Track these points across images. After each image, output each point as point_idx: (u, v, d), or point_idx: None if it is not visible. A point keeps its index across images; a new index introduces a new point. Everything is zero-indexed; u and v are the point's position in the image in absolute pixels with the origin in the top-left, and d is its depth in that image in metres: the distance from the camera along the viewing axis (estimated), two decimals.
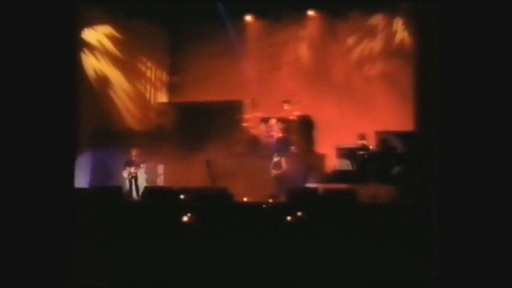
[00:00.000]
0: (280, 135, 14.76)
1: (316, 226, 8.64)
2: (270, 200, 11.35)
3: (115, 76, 15.94)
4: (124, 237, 8.51)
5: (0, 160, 6.38)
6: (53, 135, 6.58)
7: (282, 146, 14.52)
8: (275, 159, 13.95)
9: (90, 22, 14.93)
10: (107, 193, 10.65)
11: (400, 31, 15.87)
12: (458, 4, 6.34)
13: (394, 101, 15.07)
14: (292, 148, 14.73)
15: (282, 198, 11.50)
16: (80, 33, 13.87)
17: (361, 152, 13.84)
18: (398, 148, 13.79)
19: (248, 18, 16.99)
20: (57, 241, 6.48)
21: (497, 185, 6.12)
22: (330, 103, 15.73)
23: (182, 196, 10.09)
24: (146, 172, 15.05)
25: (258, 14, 16.81)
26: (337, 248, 7.93)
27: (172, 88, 17.77)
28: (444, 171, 6.31)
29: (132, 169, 14.36)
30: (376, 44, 16.13)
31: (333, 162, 14.50)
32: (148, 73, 17.27)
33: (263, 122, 15.20)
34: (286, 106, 15.12)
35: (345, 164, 14.03)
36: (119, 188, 11.96)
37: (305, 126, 14.97)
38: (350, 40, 16.31)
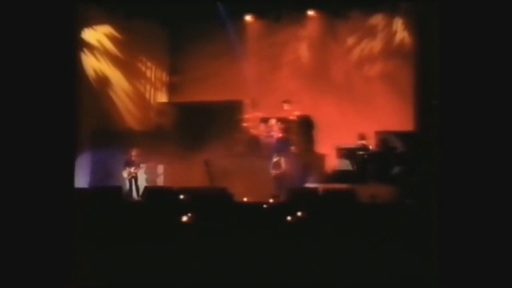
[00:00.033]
0: (280, 135, 14.76)
1: (316, 226, 8.64)
2: (271, 200, 11.35)
3: (115, 76, 15.93)
4: (124, 237, 8.51)
5: (0, 160, 6.38)
6: (53, 135, 6.58)
7: (282, 146, 14.52)
8: (275, 159, 13.95)
9: (90, 22, 14.92)
10: (107, 193, 10.66)
11: (400, 31, 15.87)
12: (458, 4, 6.34)
13: (394, 101, 15.06)
14: (292, 148, 14.73)
15: (282, 198, 11.50)
16: (80, 33, 13.87)
17: (361, 152, 13.84)
18: (398, 148, 13.79)
19: (248, 18, 16.98)
20: (57, 241, 6.48)
21: (497, 185, 6.12)
22: (330, 103, 15.72)
23: (182, 196, 10.09)
24: (146, 172, 15.04)
25: (258, 14, 16.81)
26: (337, 248, 7.94)
27: (172, 88, 17.76)
28: (444, 171, 6.31)
29: (132, 169, 14.36)
30: (376, 44, 16.12)
31: (333, 162, 14.50)
32: (148, 73, 17.27)
33: (263, 122, 15.20)
34: (286, 106, 15.12)
35: (345, 164, 14.03)
36: (119, 188, 11.97)
37: (305, 126, 14.96)
38: (350, 40, 16.30)
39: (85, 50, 14.82)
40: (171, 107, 16.51)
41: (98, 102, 15.07)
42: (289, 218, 8.95)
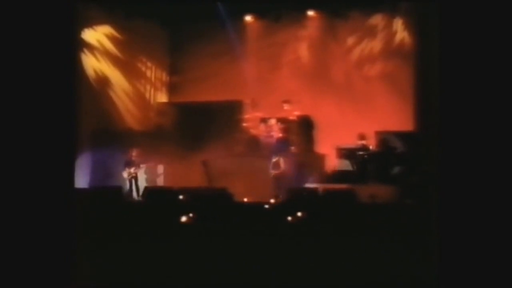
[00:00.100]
0: (280, 135, 14.75)
1: (316, 226, 8.64)
2: (272, 200, 11.35)
3: (115, 76, 15.93)
4: (124, 237, 8.51)
5: (0, 160, 6.38)
6: (53, 135, 6.59)
7: (282, 146, 14.51)
8: (274, 159, 13.95)
9: (90, 22, 14.92)
10: (107, 193, 10.65)
11: (400, 31, 15.86)
12: (458, 4, 6.34)
13: (394, 101, 15.05)
14: (292, 148, 14.72)
15: (282, 198, 11.50)
16: (80, 33, 13.86)
17: (361, 152, 13.83)
18: (398, 148, 13.78)
19: (248, 18, 16.97)
20: (57, 241, 6.48)
21: (497, 185, 6.12)
22: (330, 103, 15.72)
23: (182, 196, 10.09)
24: (146, 172, 15.04)
25: (258, 14, 16.80)
26: (337, 248, 7.93)
27: (172, 88, 17.76)
28: (444, 171, 6.31)
29: (132, 169, 14.36)
30: (376, 44, 16.12)
31: (333, 162, 14.50)
32: (148, 73, 17.26)
33: (263, 122, 15.19)
34: (286, 106, 15.11)
35: (345, 164, 14.02)
36: (119, 188, 11.96)
37: (305, 126, 14.96)
38: (350, 40, 16.29)
39: (85, 50, 14.82)
40: (171, 107, 16.50)
41: (98, 102, 15.07)
42: (289, 218, 8.95)
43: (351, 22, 16.12)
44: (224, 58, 16.71)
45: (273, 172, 13.87)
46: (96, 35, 15.32)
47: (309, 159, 14.50)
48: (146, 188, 12.65)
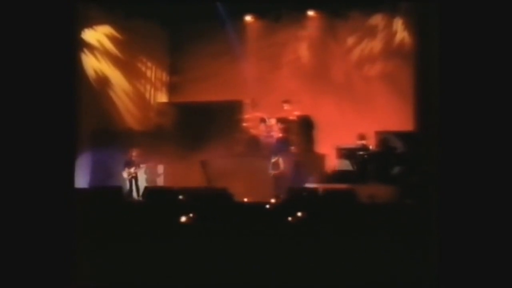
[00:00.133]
0: (280, 135, 14.75)
1: (316, 226, 8.64)
2: (272, 200, 11.35)
3: (115, 76, 15.94)
4: (124, 237, 8.50)
5: (0, 160, 6.38)
6: (53, 135, 6.58)
7: (282, 146, 14.51)
8: (273, 159, 13.95)
9: (90, 22, 14.93)
10: (107, 193, 10.64)
11: (400, 31, 15.87)
12: (458, 4, 6.34)
13: (394, 101, 15.06)
14: (292, 148, 14.73)
15: (281, 198, 11.49)
16: (80, 33, 13.87)
17: (361, 152, 13.83)
18: (398, 148, 13.78)
19: (248, 18, 16.98)
20: (57, 241, 6.48)
21: (497, 185, 6.12)
22: (330, 103, 15.72)
23: (182, 196, 10.09)
24: (146, 172, 15.04)
25: (258, 14, 16.81)
26: (337, 248, 7.93)
27: (172, 88, 17.77)
28: (444, 171, 6.31)
29: (132, 169, 14.37)
30: (376, 44, 16.12)
31: (333, 162, 14.50)
32: (148, 73, 17.27)
33: (263, 122, 15.20)
34: (286, 106, 15.12)
35: (345, 164, 14.02)
36: (119, 188, 11.95)
37: (305, 126, 14.96)
38: (350, 40, 16.30)
39: (85, 50, 14.83)
40: (171, 107, 16.51)
41: (98, 102, 15.08)
42: (289, 218, 8.94)
43: (351, 22, 16.13)
44: (224, 58, 16.72)
45: (272, 172, 13.87)
46: (96, 35, 15.33)
47: (309, 159, 14.50)
48: (146, 188, 12.64)
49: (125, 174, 14.36)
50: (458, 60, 6.31)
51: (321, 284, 7.66)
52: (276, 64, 16.63)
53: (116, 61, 15.87)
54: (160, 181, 15.44)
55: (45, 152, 6.52)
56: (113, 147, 14.44)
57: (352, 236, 8.17)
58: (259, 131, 15.16)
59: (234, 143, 15.07)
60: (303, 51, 16.68)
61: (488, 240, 6.10)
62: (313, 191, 11.22)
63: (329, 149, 14.55)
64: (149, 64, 17.26)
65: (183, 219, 9.10)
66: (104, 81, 15.59)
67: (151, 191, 11.50)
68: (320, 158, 14.78)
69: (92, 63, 15.17)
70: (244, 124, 15.33)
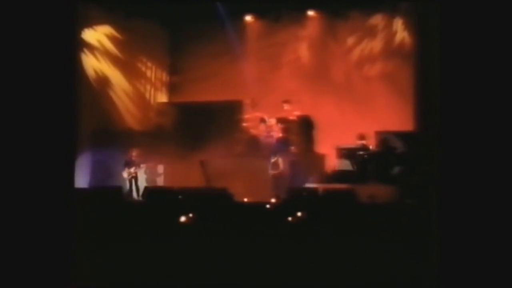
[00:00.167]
0: (280, 135, 14.75)
1: (316, 226, 8.64)
2: (273, 200, 11.35)
3: (115, 76, 15.94)
4: (124, 237, 8.50)
5: (0, 160, 6.38)
6: (53, 135, 6.59)
7: (282, 146, 14.51)
8: (273, 159, 13.95)
9: (90, 22, 14.93)
10: (107, 193, 10.64)
11: (400, 31, 15.86)
12: (458, 4, 6.34)
13: (394, 101, 15.05)
14: (292, 148, 14.73)
15: (281, 198, 11.49)
16: (80, 33, 13.86)
17: (361, 152, 13.83)
18: (398, 148, 13.78)
19: (248, 18, 16.97)
20: (57, 241, 6.48)
21: (497, 185, 6.12)
22: (330, 103, 15.72)
23: (182, 196, 10.09)
24: (146, 172, 15.04)
25: (258, 14, 16.80)
26: (337, 248, 7.93)
27: (172, 88, 17.76)
28: (444, 171, 6.31)
29: (132, 169, 14.37)
30: (376, 44, 16.12)
31: (333, 162, 14.50)
32: (148, 73, 17.27)
33: (263, 122, 15.20)
34: (286, 106, 15.11)
35: (345, 164, 14.02)
36: (119, 188, 11.95)
37: (305, 126, 14.95)
38: (350, 40, 16.30)
39: (85, 50, 14.83)
40: (171, 107, 16.51)
41: (98, 102, 15.08)
42: (289, 218, 8.94)
43: (351, 22, 16.12)
44: (224, 58, 16.71)
45: (272, 172, 13.86)
46: (96, 35, 15.33)
47: (309, 159, 14.50)
48: (146, 188, 12.63)
49: (125, 174, 14.36)
50: (458, 60, 6.31)
51: (321, 284, 7.66)
52: (276, 64, 16.63)
53: (116, 61, 15.86)
54: (160, 181, 15.44)
55: (45, 152, 6.52)
56: (113, 147, 14.44)
57: (352, 236, 8.17)
58: (259, 131, 15.16)
59: (234, 143, 15.07)
60: (303, 51, 16.68)
61: (488, 240, 6.10)
62: (313, 191, 11.21)
63: (329, 149, 14.54)
64: (149, 64, 17.26)
65: (183, 219, 9.10)
66: (104, 81, 15.59)
67: (151, 191, 11.50)
68: (320, 158, 14.78)
69: (92, 63, 15.17)
70: (244, 124, 15.32)
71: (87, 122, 12.94)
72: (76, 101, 6.96)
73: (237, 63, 16.72)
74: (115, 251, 8.20)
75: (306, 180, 13.62)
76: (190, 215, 9.14)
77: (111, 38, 15.72)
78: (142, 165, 14.62)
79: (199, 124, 15.48)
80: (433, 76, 6.60)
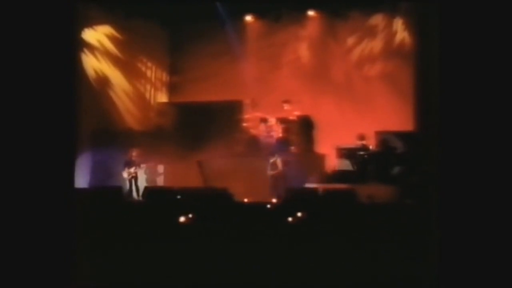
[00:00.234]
0: (280, 135, 14.76)
1: (316, 226, 8.63)
2: (274, 200, 11.35)
3: (115, 76, 15.95)
4: (124, 237, 8.50)
5: (0, 160, 6.38)
6: (53, 135, 6.59)
7: (282, 146, 14.51)
8: (272, 159, 13.95)
9: (90, 22, 14.94)
10: (107, 193, 10.63)
11: (400, 31, 15.87)
12: (458, 4, 6.34)
13: (394, 101, 15.05)
14: (292, 148, 14.73)
15: (280, 198, 11.49)
16: (80, 33, 13.86)
17: (361, 152, 13.84)
18: (398, 148, 13.78)
19: (248, 18, 16.98)
20: (57, 241, 6.48)
21: (497, 185, 6.12)
22: (330, 103, 15.73)
23: (182, 196, 10.09)
24: (146, 172, 15.04)
25: (258, 14, 16.81)
26: (337, 248, 7.93)
27: (172, 88, 17.77)
28: (444, 171, 6.31)
29: (132, 169, 14.36)
30: (376, 44, 16.13)
31: (333, 162, 14.50)
32: (148, 73, 17.28)
33: (263, 122, 15.20)
34: (286, 106, 15.12)
35: (345, 164, 14.02)
36: (119, 188, 11.95)
37: (305, 126, 14.96)
38: (350, 40, 16.31)
39: (85, 50, 14.83)
40: (171, 107, 16.52)
41: (98, 102, 15.08)
42: (289, 218, 8.94)
43: (351, 22, 16.13)
44: (224, 58, 16.72)
45: (270, 172, 13.85)
46: (96, 35, 15.34)
47: (309, 159, 14.50)
48: (146, 188, 12.63)
49: (125, 174, 14.36)
50: (458, 60, 6.31)
51: (321, 284, 7.66)
52: (276, 64, 16.63)
53: (116, 61, 15.87)
54: (160, 181, 15.44)
55: (45, 152, 6.52)
56: (113, 147, 14.44)
57: (352, 236, 8.17)
58: (259, 131, 15.17)
59: (234, 143, 15.08)
60: (303, 51, 16.68)
61: (488, 240, 6.10)
62: (313, 191, 11.21)
63: (329, 149, 14.55)
64: (149, 64, 17.26)
65: (183, 219, 9.10)
66: (104, 81, 15.59)
67: (151, 191, 11.50)
68: (320, 158, 14.78)
69: (92, 63, 15.17)
70: (244, 124, 15.33)
71: (87, 122, 12.95)
72: (76, 101, 6.96)
73: (237, 63, 16.72)
74: (115, 251, 8.20)
75: (306, 180, 13.62)
76: (190, 215, 9.14)
77: (111, 38, 15.72)
78: (142, 165, 14.62)
79: (199, 124, 15.48)
80: (433, 76, 6.60)
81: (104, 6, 14.98)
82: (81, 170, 13.24)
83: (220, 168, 13.83)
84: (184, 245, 8.31)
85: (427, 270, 6.64)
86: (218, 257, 8.00)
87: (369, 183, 12.84)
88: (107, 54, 15.64)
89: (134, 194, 14.13)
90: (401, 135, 13.94)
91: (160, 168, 15.59)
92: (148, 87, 17.27)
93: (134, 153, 14.52)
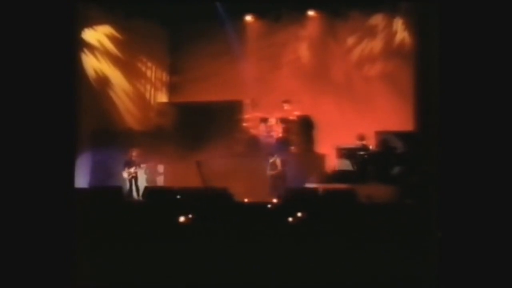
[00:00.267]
0: (280, 135, 14.75)
1: (316, 226, 8.63)
2: (274, 200, 11.34)
3: (115, 76, 15.95)
4: (124, 237, 8.51)
5: (0, 160, 6.38)
6: (53, 135, 6.59)
7: (282, 146, 14.52)
8: (271, 159, 13.94)
9: (90, 22, 14.94)
10: (107, 193, 10.63)
11: (400, 31, 15.87)
12: (458, 4, 6.34)
13: (394, 101, 15.06)
14: (292, 148, 14.73)
15: (280, 198, 11.49)
16: (80, 33, 13.87)
17: (361, 152, 13.84)
18: (398, 148, 13.78)
19: (248, 18, 16.98)
20: (57, 241, 6.48)
21: (497, 185, 6.12)
22: (330, 103, 15.73)
23: (182, 196, 10.08)
24: (146, 172, 15.03)
25: (258, 14, 16.81)
26: (337, 248, 7.93)
27: (172, 88, 17.77)
28: (444, 171, 6.31)
29: (132, 169, 14.36)
30: (376, 44, 16.13)
31: (333, 162, 14.50)
32: (148, 73, 17.28)
33: (263, 122, 15.20)
34: (286, 106, 15.12)
35: (345, 164, 14.02)
36: (119, 188, 11.95)
37: (305, 126, 14.96)
38: (350, 40, 16.30)
39: (85, 50, 14.83)
40: (171, 107, 16.52)
41: (98, 102, 15.08)
42: (289, 218, 8.94)
43: (351, 22, 16.13)
44: (224, 58, 16.72)
45: (270, 172, 13.85)
46: (96, 35, 15.34)
47: (309, 159, 14.50)
48: (146, 188, 12.63)
49: (125, 174, 14.36)
50: (458, 60, 6.31)
51: (321, 284, 7.66)
52: (276, 64, 16.63)
53: (116, 61, 15.87)
54: (160, 181, 15.43)
55: (45, 152, 6.52)
56: (113, 147, 14.44)
57: (352, 236, 8.17)
58: (259, 131, 15.17)
59: (234, 143, 15.08)
60: (303, 51, 16.68)
61: (488, 240, 6.10)
62: (313, 191, 11.21)
63: (329, 149, 14.55)
64: (149, 64, 17.26)
65: (183, 219, 9.10)
66: (104, 81, 15.59)
67: (151, 191, 11.50)
68: (320, 158, 14.78)
69: (92, 63, 15.17)
70: (244, 124, 15.33)
71: (87, 122, 12.94)
72: (76, 101, 6.96)
73: (237, 63, 16.72)
74: (115, 251, 8.20)
75: (306, 180, 13.62)
76: (190, 215, 9.14)
77: (111, 38, 15.72)
78: (142, 165, 14.61)
79: (199, 124, 15.48)
80: (433, 76, 6.61)
81: (104, 6, 14.99)
82: (81, 170, 13.23)
83: (220, 168, 13.82)
84: (184, 245, 8.30)
85: (427, 270, 6.64)
86: (218, 257, 8.00)
87: (369, 183, 12.84)
88: (107, 54, 15.64)
89: (134, 194, 14.13)
90: (401, 135, 13.94)
91: (160, 168, 15.58)
92: (148, 87, 17.27)
93: (134, 153, 14.51)
